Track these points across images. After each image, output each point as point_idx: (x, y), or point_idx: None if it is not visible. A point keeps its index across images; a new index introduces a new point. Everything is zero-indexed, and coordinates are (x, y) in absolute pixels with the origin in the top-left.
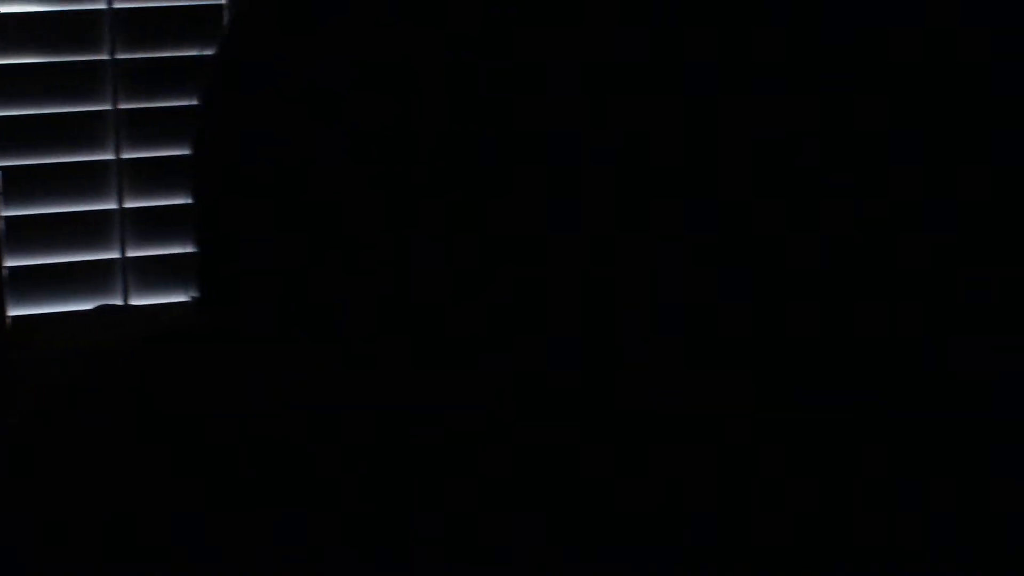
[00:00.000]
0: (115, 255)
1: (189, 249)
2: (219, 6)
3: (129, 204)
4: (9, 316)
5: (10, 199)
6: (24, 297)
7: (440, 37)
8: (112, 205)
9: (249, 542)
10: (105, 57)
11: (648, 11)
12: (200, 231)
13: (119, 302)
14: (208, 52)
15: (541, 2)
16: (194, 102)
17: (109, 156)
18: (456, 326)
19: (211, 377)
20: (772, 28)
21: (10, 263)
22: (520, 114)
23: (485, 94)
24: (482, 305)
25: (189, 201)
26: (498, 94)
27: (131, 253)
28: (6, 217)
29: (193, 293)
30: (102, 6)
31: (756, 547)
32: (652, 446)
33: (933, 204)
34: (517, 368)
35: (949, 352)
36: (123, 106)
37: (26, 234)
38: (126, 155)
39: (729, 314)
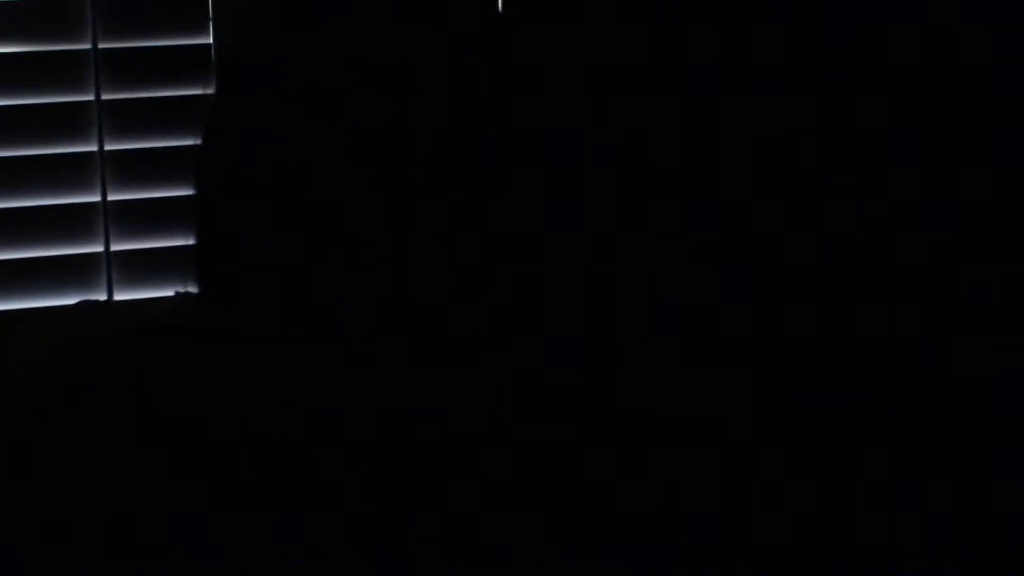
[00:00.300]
0: (99, 249)
1: (175, 243)
2: None
3: (113, 197)
4: None
5: None
6: (5, 291)
7: (440, 37)
8: (96, 198)
9: (249, 542)
10: (88, 46)
11: (648, 11)
12: (201, 230)
13: (103, 297)
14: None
15: (541, 2)
16: (178, 92)
17: (92, 148)
18: (456, 326)
19: (211, 376)
20: (772, 28)
21: None
22: (520, 114)
23: (485, 94)
24: (482, 305)
25: (176, 194)
26: (498, 94)
27: (115, 247)
28: None
29: (179, 288)
30: None
31: (756, 547)
32: (652, 446)
33: (933, 204)
34: (517, 368)
35: (949, 352)
36: (106, 96)
37: (7, 227)
38: (109, 146)
39: (729, 314)
